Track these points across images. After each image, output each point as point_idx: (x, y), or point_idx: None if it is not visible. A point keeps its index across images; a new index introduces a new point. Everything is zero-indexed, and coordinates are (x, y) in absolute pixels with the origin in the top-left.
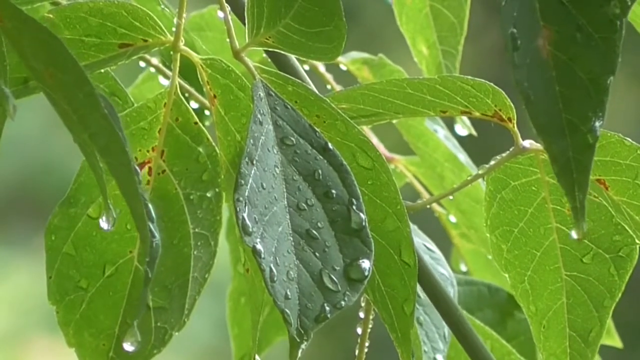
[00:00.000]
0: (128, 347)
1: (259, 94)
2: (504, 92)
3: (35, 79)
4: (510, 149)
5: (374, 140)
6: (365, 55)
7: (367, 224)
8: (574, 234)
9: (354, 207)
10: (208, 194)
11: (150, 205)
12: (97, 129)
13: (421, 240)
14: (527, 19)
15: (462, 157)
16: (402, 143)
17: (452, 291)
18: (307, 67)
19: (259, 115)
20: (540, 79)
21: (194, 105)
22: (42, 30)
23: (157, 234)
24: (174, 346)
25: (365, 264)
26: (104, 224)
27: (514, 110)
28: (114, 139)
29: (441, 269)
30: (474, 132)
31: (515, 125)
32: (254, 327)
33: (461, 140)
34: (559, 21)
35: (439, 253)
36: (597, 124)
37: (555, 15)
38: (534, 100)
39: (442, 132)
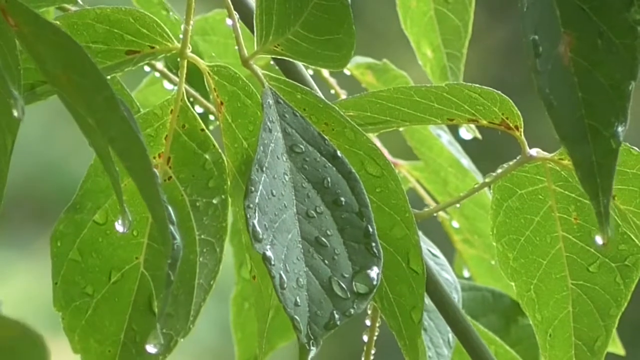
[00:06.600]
0: (151, 349)
1: (268, 102)
2: (511, 101)
3: (52, 83)
4: (517, 158)
5: (378, 145)
6: (370, 60)
7: (375, 232)
8: (598, 240)
9: (363, 215)
10: (214, 201)
11: (170, 208)
12: (117, 132)
13: (425, 246)
14: (549, 25)
15: (466, 162)
16: (405, 148)
17: (457, 297)
18: (310, 72)
19: (268, 123)
20: (562, 85)
21: (198, 109)
22: (59, 34)
23: (177, 236)
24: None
25: (374, 271)
26: (119, 227)
27: (521, 119)
28: (134, 142)
29: (445, 275)
30: (479, 136)
31: (522, 134)
32: (260, 335)
33: (465, 143)
34: (580, 27)
35: (443, 258)
36: (620, 129)
37: (576, 21)
38: (557, 107)
39: (445, 137)
